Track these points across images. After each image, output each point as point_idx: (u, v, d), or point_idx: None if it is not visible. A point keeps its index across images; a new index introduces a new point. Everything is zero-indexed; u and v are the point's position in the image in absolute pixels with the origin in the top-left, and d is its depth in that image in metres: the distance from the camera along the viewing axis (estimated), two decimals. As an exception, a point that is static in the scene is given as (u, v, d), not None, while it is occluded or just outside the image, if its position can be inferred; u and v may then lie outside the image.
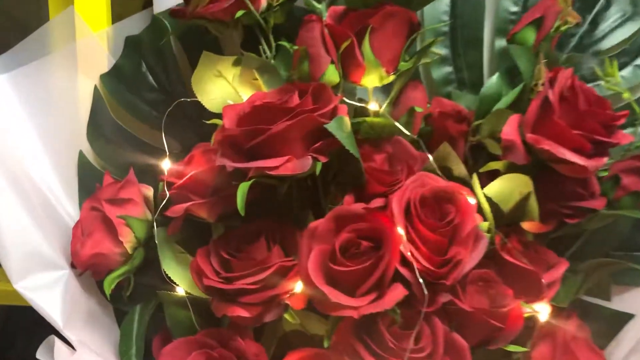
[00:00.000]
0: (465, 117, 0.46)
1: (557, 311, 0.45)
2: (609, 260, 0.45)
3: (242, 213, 0.38)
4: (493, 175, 0.44)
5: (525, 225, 0.43)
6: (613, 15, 0.51)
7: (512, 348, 0.40)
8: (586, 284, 0.46)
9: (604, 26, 0.50)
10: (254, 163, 0.38)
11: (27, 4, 0.71)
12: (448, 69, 0.51)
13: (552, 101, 0.38)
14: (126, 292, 0.49)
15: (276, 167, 0.38)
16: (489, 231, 0.42)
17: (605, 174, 0.45)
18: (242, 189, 0.38)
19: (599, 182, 0.45)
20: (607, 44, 0.50)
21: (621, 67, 0.50)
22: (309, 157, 0.39)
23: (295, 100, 0.40)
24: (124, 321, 0.49)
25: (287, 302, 0.40)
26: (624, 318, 0.48)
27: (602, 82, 0.44)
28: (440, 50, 0.50)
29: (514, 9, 0.50)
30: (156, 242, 0.46)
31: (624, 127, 0.43)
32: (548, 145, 0.38)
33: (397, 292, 0.36)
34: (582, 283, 0.46)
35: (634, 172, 0.45)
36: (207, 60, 0.43)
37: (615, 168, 0.45)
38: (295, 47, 0.42)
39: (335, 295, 0.36)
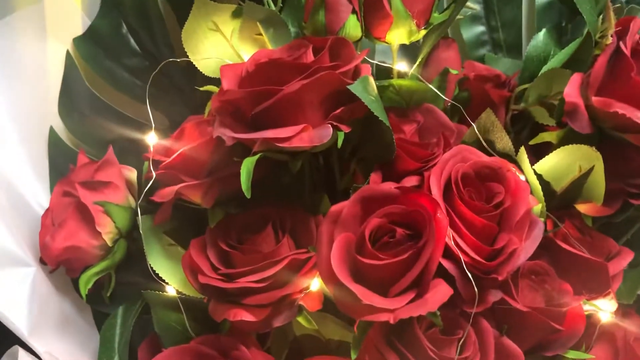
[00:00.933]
0: (506, 81, 0.39)
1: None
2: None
3: (247, 195, 0.31)
4: (538, 149, 0.37)
5: (582, 208, 0.36)
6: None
7: (572, 354, 0.34)
8: (647, 277, 0.40)
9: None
10: (261, 133, 0.31)
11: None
12: (481, 28, 0.44)
13: (626, 55, 0.31)
14: (107, 292, 0.41)
15: (289, 138, 0.31)
16: (541, 215, 0.35)
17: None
18: (247, 165, 0.31)
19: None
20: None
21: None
22: (329, 125, 0.31)
23: (310, 56, 0.32)
24: (104, 326, 0.41)
25: (301, 302, 0.33)
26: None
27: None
28: (473, 4, 0.43)
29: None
30: (141, 232, 0.39)
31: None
32: (622, 109, 0.31)
33: (442, 291, 0.29)
34: (642, 276, 0.39)
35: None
36: (201, 9, 0.35)
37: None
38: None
39: (366, 296, 0.29)
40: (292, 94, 0.30)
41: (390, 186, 0.31)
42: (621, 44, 0.32)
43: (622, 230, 0.41)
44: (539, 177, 0.36)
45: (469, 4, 0.42)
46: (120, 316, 0.42)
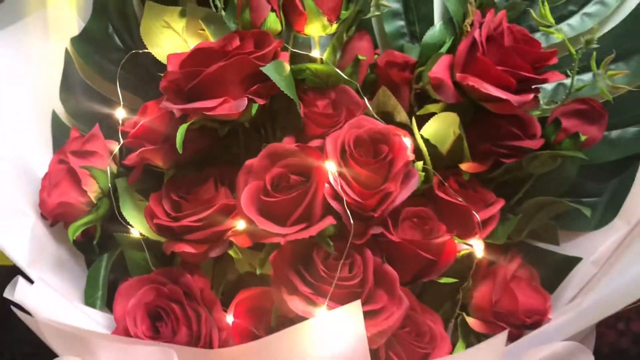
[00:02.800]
0: (409, 65, 0.47)
1: (499, 252, 0.47)
2: (548, 199, 0.46)
3: (180, 151, 0.40)
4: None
5: (463, 166, 0.44)
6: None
7: (444, 280, 0.42)
8: (530, 226, 0.47)
9: (554, -25, 0.51)
10: (192, 104, 0.40)
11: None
12: (400, 22, 0.52)
13: (478, 39, 0.39)
14: (95, 240, 0.51)
15: (213, 108, 0.40)
16: (425, 170, 0.43)
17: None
18: (181, 130, 0.41)
19: (541, 126, 0.46)
20: (557, -8, 0.51)
21: (569, 15, 0.51)
22: (245, 98, 0.41)
23: (235, 44, 0.42)
24: (91, 268, 0.51)
25: (232, 239, 0.43)
26: (572, 262, 0.50)
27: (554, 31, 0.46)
28: (392, 4, 0.51)
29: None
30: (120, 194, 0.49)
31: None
32: (473, 81, 0.39)
33: (325, 222, 0.38)
34: (525, 224, 0.47)
35: (574, 115, 0.46)
36: (152, 11, 0.45)
37: (556, 112, 0.46)
38: (237, -2, 0.44)
39: (264, 224, 0.38)
40: (213, 73, 0.40)
41: (291, 144, 0.40)
42: (476, 31, 0.40)
43: (516, 189, 0.49)
44: (427, 141, 0.44)
45: (388, 2, 0.50)
46: (104, 260, 0.52)
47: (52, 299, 0.44)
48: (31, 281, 0.47)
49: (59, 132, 0.55)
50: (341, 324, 0.36)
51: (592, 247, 0.50)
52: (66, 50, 0.55)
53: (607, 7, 0.50)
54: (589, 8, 0.51)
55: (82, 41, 0.55)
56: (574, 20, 0.51)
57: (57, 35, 0.55)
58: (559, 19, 0.51)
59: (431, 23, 0.51)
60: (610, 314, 0.47)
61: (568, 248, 0.50)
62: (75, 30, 0.55)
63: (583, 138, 0.44)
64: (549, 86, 0.50)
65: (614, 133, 0.50)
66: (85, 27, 0.55)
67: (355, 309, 0.36)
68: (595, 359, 0.56)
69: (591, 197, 0.51)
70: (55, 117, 0.55)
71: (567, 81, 0.47)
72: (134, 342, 0.39)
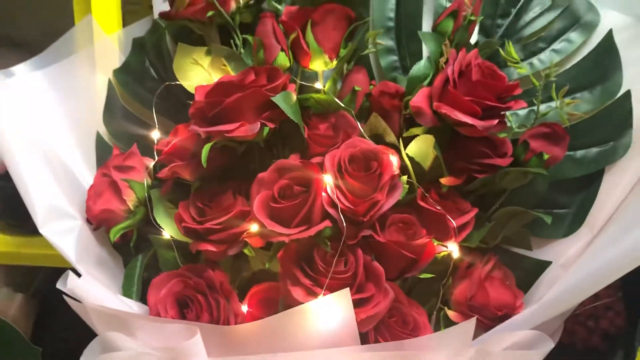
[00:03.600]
0: (399, 94, 0.55)
1: (477, 255, 0.54)
2: (517, 209, 0.53)
3: (204, 165, 0.49)
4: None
5: (442, 180, 0.52)
6: (534, 8, 0.59)
7: (424, 276, 0.50)
8: (503, 232, 0.55)
9: (526, 17, 0.59)
10: (215, 127, 0.49)
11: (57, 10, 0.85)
12: (394, 57, 0.61)
13: (450, 75, 0.47)
14: (132, 243, 0.60)
15: (232, 130, 0.49)
16: (409, 183, 0.51)
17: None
18: (205, 148, 0.49)
19: (513, 146, 0.54)
20: (528, 31, 0.59)
21: (539, 51, 0.59)
22: (258, 123, 0.49)
23: (251, 78, 0.50)
24: (127, 267, 0.60)
25: (246, 240, 0.51)
26: (543, 265, 0.57)
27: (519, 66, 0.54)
28: (387, 42, 0.60)
29: (447, 4, 0.59)
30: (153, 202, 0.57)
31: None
32: (446, 110, 0.47)
33: (322, 225, 0.46)
34: (498, 231, 0.54)
35: (540, 137, 0.53)
36: (184, 50, 0.55)
37: (525, 135, 0.54)
38: (253, 39, 0.53)
39: (272, 226, 0.46)
40: (232, 102, 0.48)
41: (295, 160, 0.48)
42: (449, 68, 0.48)
43: (493, 201, 0.57)
44: (411, 158, 0.52)
45: (382, 40, 0.59)
46: (139, 260, 0.60)
47: (96, 289, 0.52)
48: (79, 276, 0.56)
49: (102, 151, 0.64)
50: (333, 308, 0.44)
51: (561, 252, 0.57)
52: (109, 81, 0.65)
53: (572, 44, 0.58)
54: (556, 45, 0.58)
55: (123, 73, 0.65)
56: (544, 55, 0.58)
57: (102, 68, 0.65)
58: (531, 54, 0.59)
59: (420, 58, 0.60)
60: (576, 310, 0.54)
61: (540, 253, 0.57)
62: (117, 64, 0.65)
63: (546, 157, 0.52)
64: (522, 112, 0.58)
65: (579, 153, 0.57)
66: (125, 60, 0.65)
67: (344, 295, 0.44)
68: (569, 355, 0.63)
69: (561, 209, 0.58)
70: (99, 138, 0.65)
71: (544, 107, 0.55)
72: (165, 321, 0.48)
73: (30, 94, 0.62)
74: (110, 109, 0.65)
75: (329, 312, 0.44)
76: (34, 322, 0.90)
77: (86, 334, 0.54)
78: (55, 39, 0.66)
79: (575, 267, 0.52)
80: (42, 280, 0.92)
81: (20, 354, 0.59)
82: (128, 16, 0.69)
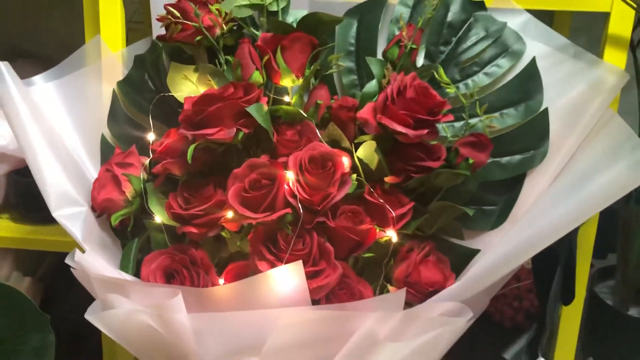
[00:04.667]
0: (355, 107, 0.67)
1: (416, 241, 0.65)
2: (447, 204, 0.64)
3: (189, 161, 0.60)
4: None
5: (386, 179, 0.63)
6: (471, 37, 0.71)
7: (367, 255, 0.61)
8: (437, 224, 0.66)
9: (464, 45, 0.71)
10: (199, 131, 0.60)
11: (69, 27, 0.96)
12: (354, 76, 0.72)
13: (389, 93, 0.59)
14: (129, 228, 0.71)
15: (212, 134, 0.60)
16: (359, 180, 0.62)
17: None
18: (191, 148, 0.61)
19: (448, 152, 0.65)
20: (465, 57, 0.70)
21: (473, 73, 0.70)
22: (235, 128, 0.60)
23: (230, 91, 0.62)
24: (125, 247, 0.71)
25: (223, 224, 0.62)
26: (473, 253, 0.68)
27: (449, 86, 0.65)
28: (348, 63, 0.71)
29: (397, 33, 0.70)
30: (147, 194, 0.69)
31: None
32: (385, 121, 0.59)
33: (283, 211, 0.58)
34: (433, 221, 0.65)
35: (468, 145, 0.64)
36: (176, 68, 0.66)
37: (457, 143, 0.65)
38: (233, 60, 0.64)
39: (243, 211, 0.57)
40: (214, 111, 0.60)
41: (264, 159, 0.60)
42: (389, 87, 0.59)
43: (431, 198, 0.68)
44: (361, 160, 0.63)
45: (344, 63, 0.70)
46: (135, 243, 0.71)
47: (98, 262, 0.63)
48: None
49: (106, 150, 0.75)
50: (289, 276, 0.55)
51: (489, 242, 0.68)
52: (113, 91, 0.76)
53: (501, 68, 0.70)
54: (488, 69, 0.70)
55: (125, 84, 0.76)
56: (477, 77, 0.70)
57: (107, 80, 0.76)
58: (467, 76, 0.71)
59: (374, 77, 0.71)
60: (502, 291, 0.65)
61: (472, 243, 0.68)
62: (121, 76, 0.76)
63: (472, 161, 0.63)
64: (457, 124, 0.69)
65: (505, 159, 0.68)
66: (127, 74, 0.76)
67: (297, 266, 0.54)
68: (498, 332, 0.74)
69: (489, 206, 0.69)
70: (103, 139, 0.76)
71: (472, 120, 0.66)
72: (153, 286, 0.59)
73: (47, 101, 0.73)
74: (114, 115, 0.76)
75: (286, 279, 0.55)
76: (40, 304, 1.01)
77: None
78: (66, 52, 0.78)
79: (492, 251, 0.63)
80: (49, 266, 1.03)
81: (31, 320, 0.69)
82: (131, 33, 0.81)
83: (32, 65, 0.93)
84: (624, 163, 0.57)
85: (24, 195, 0.93)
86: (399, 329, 0.56)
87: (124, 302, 0.57)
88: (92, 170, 0.74)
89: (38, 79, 0.75)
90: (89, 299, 0.64)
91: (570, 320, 0.79)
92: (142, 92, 0.75)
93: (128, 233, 0.71)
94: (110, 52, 0.76)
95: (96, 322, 0.58)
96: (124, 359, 0.90)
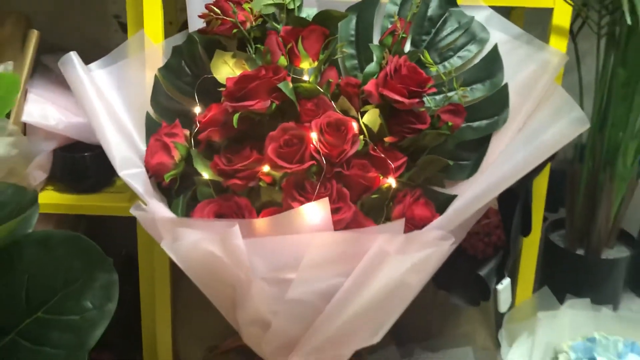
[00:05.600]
0: (358, 85, 0.84)
1: (407, 188, 0.83)
2: (432, 157, 0.83)
3: (235, 126, 0.77)
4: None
5: (385, 139, 0.81)
6: (447, 29, 0.89)
7: (373, 196, 0.78)
8: (424, 174, 0.84)
9: (441, 35, 0.89)
10: (240, 104, 0.77)
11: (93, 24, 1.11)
12: (355, 61, 0.90)
13: (388, 71, 0.77)
14: (175, 187, 0.87)
15: (251, 105, 0.77)
16: (365, 140, 0.80)
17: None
18: (236, 117, 0.77)
19: (432, 118, 0.83)
20: (442, 44, 0.89)
21: (449, 57, 0.89)
22: (269, 100, 0.77)
23: (262, 73, 0.79)
24: (173, 203, 0.87)
25: (261, 177, 0.79)
26: (452, 198, 0.86)
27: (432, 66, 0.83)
28: (350, 50, 0.89)
29: (389, 26, 0.88)
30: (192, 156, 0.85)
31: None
32: (386, 93, 0.77)
33: (309, 163, 0.75)
34: (422, 172, 0.83)
35: (448, 112, 0.83)
36: (219, 55, 0.83)
37: (439, 110, 0.83)
38: (263, 48, 0.81)
39: (280, 162, 0.75)
40: (252, 87, 0.77)
41: (292, 124, 0.77)
42: (387, 67, 0.77)
43: (420, 154, 0.86)
44: (366, 125, 0.81)
45: (347, 50, 0.88)
46: (180, 200, 0.87)
47: (161, 209, 0.80)
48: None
49: (150, 125, 0.91)
50: (317, 209, 0.72)
51: (464, 189, 0.86)
52: (155, 76, 0.92)
53: (470, 52, 0.88)
54: (460, 53, 0.88)
55: (165, 70, 0.91)
56: (452, 60, 0.88)
57: (150, 67, 0.92)
58: (444, 59, 0.89)
59: (372, 61, 0.89)
60: (474, 229, 0.84)
61: (452, 190, 0.87)
62: (161, 64, 0.92)
63: (450, 124, 0.81)
64: (438, 97, 0.87)
65: (475, 123, 0.87)
66: (167, 61, 0.92)
67: (324, 202, 0.72)
68: (473, 263, 0.92)
69: (465, 161, 0.88)
70: (148, 116, 0.91)
71: (449, 93, 0.84)
72: (214, 221, 0.76)
73: (103, 84, 0.88)
74: (156, 96, 0.92)
75: (314, 213, 0.72)
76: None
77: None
78: (89, 46, 0.93)
79: (467, 193, 0.81)
80: (83, 229, 1.17)
81: (98, 263, 0.84)
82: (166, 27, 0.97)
83: (57, 57, 1.08)
84: (564, 120, 0.77)
85: (67, 169, 1.08)
86: (402, 248, 0.74)
87: (191, 234, 0.74)
88: (139, 142, 0.89)
89: (93, 66, 0.90)
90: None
91: (530, 250, 0.99)
92: (181, 76, 0.91)
93: (173, 192, 0.87)
94: (152, 44, 0.92)
95: (169, 252, 0.75)
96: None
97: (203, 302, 1.05)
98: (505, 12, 1.06)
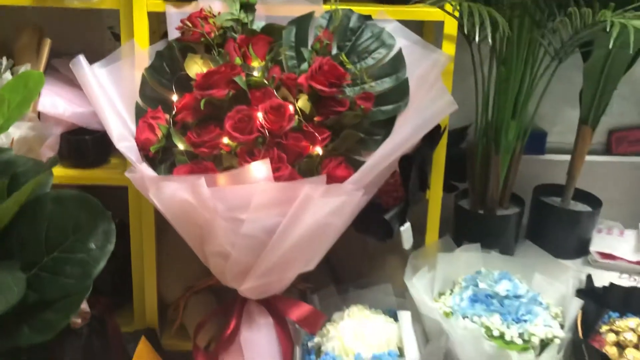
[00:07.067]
0: (295, 79, 1.13)
1: (332, 156, 1.12)
2: (349, 132, 1.11)
3: (202, 109, 1.05)
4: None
5: (314, 118, 1.09)
6: (364, 37, 1.18)
7: (306, 159, 1.07)
8: (344, 145, 1.12)
9: (359, 41, 1.18)
10: (206, 92, 1.06)
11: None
12: (294, 61, 1.18)
13: (314, 68, 1.06)
14: (158, 158, 1.15)
15: (214, 93, 1.05)
16: (299, 119, 1.09)
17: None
18: (202, 102, 1.06)
19: (351, 103, 1.12)
20: (360, 48, 1.17)
21: (365, 58, 1.18)
22: (227, 90, 1.06)
23: (223, 69, 1.07)
24: (156, 169, 1.15)
25: (221, 146, 1.07)
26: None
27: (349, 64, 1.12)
28: (291, 53, 1.17)
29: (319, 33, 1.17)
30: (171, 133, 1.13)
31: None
32: (312, 83, 1.05)
33: (256, 134, 1.04)
34: (343, 144, 1.12)
35: (362, 99, 1.12)
36: (190, 57, 1.11)
37: (356, 97, 1.12)
38: (223, 51, 1.10)
39: (235, 134, 1.03)
40: (215, 80, 1.05)
41: (244, 107, 1.05)
42: (313, 65, 1.06)
43: (342, 130, 1.15)
44: (300, 108, 1.10)
45: (289, 52, 1.16)
46: (162, 169, 1.15)
47: (149, 172, 1.08)
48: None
49: (139, 110, 1.19)
50: (261, 167, 1.00)
51: (378, 155, 1.15)
52: (143, 74, 1.20)
53: (381, 54, 1.17)
54: (374, 55, 1.17)
55: (150, 69, 1.19)
56: (367, 60, 1.17)
57: (138, 67, 1.20)
58: (362, 59, 1.18)
59: (305, 61, 1.17)
60: (386, 187, 1.13)
61: (367, 158, 1.16)
62: (147, 64, 1.20)
63: (363, 107, 1.10)
64: (356, 88, 1.16)
65: (384, 107, 1.15)
66: (152, 63, 1.20)
67: (265, 162, 1.00)
68: (381, 212, 1.21)
69: (376, 136, 1.16)
70: (137, 104, 1.19)
71: (364, 85, 1.13)
72: (188, 176, 1.03)
73: (103, 80, 1.16)
74: (143, 89, 1.20)
75: (260, 169, 1.00)
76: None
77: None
78: (88, 51, 1.20)
79: (375, 154, 1.10)
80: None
81: (99, 214, 1.11)
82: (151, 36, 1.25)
83: (60, 60, 1.36)
84: (440, 103, 1.06)
85: (72, 149, 1.35)
86: (324, 195, 1.02)
87: (170, 186, 1.02)
88: (131, 123, 1.17)
89: (95, 66, 1.18)
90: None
91: (434, 209, 1.28)
92: (162, 73, 1.19)
93: (157, 162, 1.15)
94: (140, 49, 1.20)
95: (154, 200, 1.03)
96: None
97: (181, 255, 1.35)
98: (419, 25, 1.37)
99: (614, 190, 1.59)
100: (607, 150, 1.64)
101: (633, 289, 1.26)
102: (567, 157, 1.47)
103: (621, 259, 1.40)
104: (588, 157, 1.48)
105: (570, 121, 1.51)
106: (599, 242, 1.45)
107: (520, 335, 1.12)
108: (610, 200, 1.52)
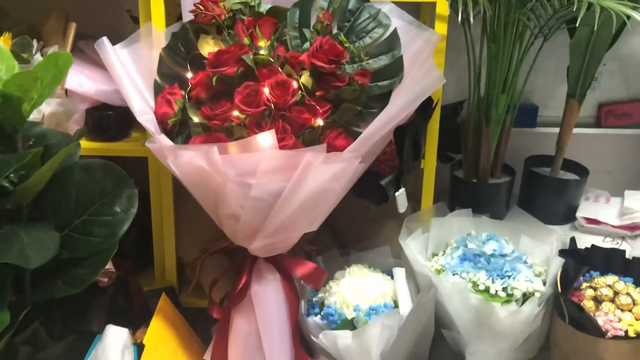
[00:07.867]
0: (298, 57, 1.23)
1: (332, 128, 1.23)
2: (349, 105, 1.22)
3: (214, 85, 1.16)
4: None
5: (316, 93, 1.20)
6: (362, 17, 1.28)
7: (308, 130, 1.18)
8: (344, 118, 1.23)
9: (358, 21, 1.28)
10: (218, 69, 1.17)
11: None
12: (298, 41, 1.28)
13: (315, 47, 1.16)
14: (175, 131, 1.27)
15: (225, 70, 1.16)
16: (301, 94, 1.19)
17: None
18: (214, 79, 1.17)
19: (350, 79, 1.22)
20: (359, 28, 1.28)
21: (363, 37, 1.28)
22: (237, 67, 1.17)
23: (232, 49, 1.18)
24: (173, 142, 1.26)
25: (232, 119, 1.18)
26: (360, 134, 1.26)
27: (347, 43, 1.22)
28: (294, 33, 1.28)
29: (320, 16, 1.27)
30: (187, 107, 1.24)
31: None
32: (314, 61, 1.16)
33: (263, 107, 1.15)
34: (343, 116, 1.23)
35: (359, 75, 1.22)
36: (203, 37, 1.22)
37: (353, 74, 1.22)
38: (233, 32, 1.21)
39: (244, 107, 1.14)
40: (225, 58, 1.16)
41: (252, 83, 1.16)
42: (314, 44, 1.16)
43: (341, 104, 1.25)
44: (303, 83, 1.20)
45: (292, 33, 1.27)
46: (179, 140, 1.27)
47: (167, 141, 1.19)
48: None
49: (157, 87, 1.31)
50: (268, 137, 1.12)
51: (374, 126, 1.25)
52: (160, 54, 1.31)
53: (378, 34, 1.27)
54: (371, 34, 1.27)
55: (167, 49, 1.31)
56: (365, 39, 1.27)
57: (156, 47, 1.31)
58: (360, 39, 1.28)
59: (309, 42, 1.28)
60: (384, 157, 1.24)
61: (364, 129, 1.26)
62: (164, 44, 1.31)
63: (360, 83, 1.21)
64: (355, 65, 1.26)
65: (380, 83, 1.26)
66: (168, 43, 1.31)
67: (271, 133, 1.12)
68: (378, 179, 1.32)
69: (373, 109, 1.27)
70: (155, 82, 1.31)
71: (362, 62, 1.23)
72: (202, 145, 1.15)
73: (125, 60, 1.27)
74: (161, 67, 1.31)
75: (266, 139, 1.12)
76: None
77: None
78: (109, 34, 1.30)
79: (372, 125, 1.21)
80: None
81: (123, 181, 1.24)
82: (167, 18, 1.36)
83: (81, 42, 1.48)
84: (429, 78, 1.17)
85: (96, 124, 1.47)
86: (324, 162, 1.13)
87: (186, 154, 1.14)
88: (150, 99, 1.29)
89: (117, 47, 1.29)
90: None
91: (429, 178, 1.39)
92: (178, 53, 1.30)
93: (174, 134, 1.27)
94: (157, 31, 1.31)
95: (172, 167, 1.15)
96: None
97: (196, 221, 1.47)
98: (416, 7, 1.46)
99: (604, 161, 1.69)
100: (597, 123, 1.73)
101: (613, 251, 1.37)
102: (557, 130, 1.56)
103: (605, 223, 1.51)
104: (579, 130, 1.58)
105: (560, 96, 1.60)
106: (586, 209, 1.55)
107: (504, 289, 1.23)
108: (599, 170, 1.62)
